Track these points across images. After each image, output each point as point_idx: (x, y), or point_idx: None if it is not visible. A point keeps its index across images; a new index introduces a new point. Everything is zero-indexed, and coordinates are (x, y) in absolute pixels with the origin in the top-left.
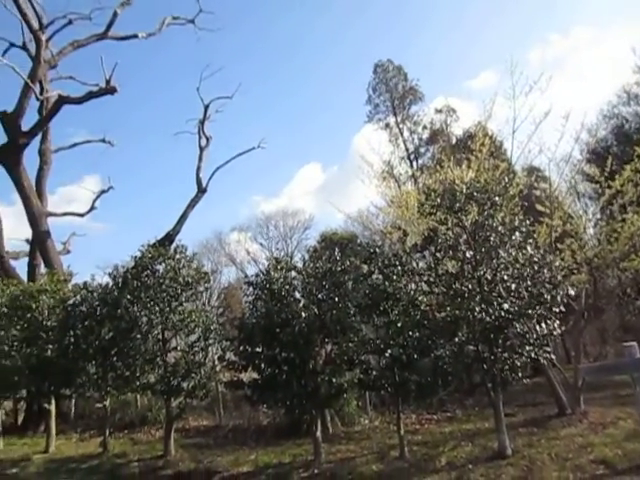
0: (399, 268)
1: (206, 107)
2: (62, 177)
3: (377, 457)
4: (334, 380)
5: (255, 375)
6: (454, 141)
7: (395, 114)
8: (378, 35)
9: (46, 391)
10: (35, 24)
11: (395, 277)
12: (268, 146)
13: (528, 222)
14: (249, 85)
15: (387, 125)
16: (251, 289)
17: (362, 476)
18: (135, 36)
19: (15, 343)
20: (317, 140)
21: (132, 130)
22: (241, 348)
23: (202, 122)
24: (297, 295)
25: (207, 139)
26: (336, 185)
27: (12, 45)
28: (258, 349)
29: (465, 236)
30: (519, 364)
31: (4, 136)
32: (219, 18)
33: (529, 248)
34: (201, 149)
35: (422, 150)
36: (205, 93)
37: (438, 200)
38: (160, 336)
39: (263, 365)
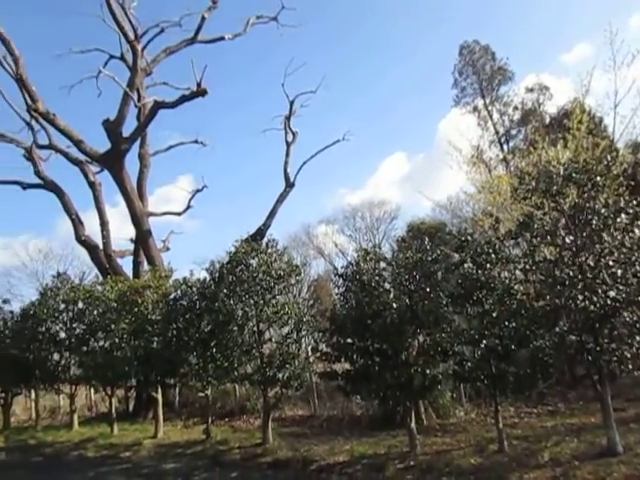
0: (492, 256)
1: (291, 103)
2: (159, 178)
3: (475, 450)
4: (428, 371)
5: (348, 366)
6: (548, 120)
7: (483, 96)
8: (462, 16)
9: (153, 380)
10: (131, 35)
11: (488, 265)
12: (352, 138)
13: (635, 202)
14: (333, 78)
15: (475, 108)
16: (341, 281)
17: (460, 469)
18: (222, 38)
19: (124, 336)
20: (401, 129)
21: (222, 129)
22: (333, 339)
23: (288, 118)
24: (387, 286)
25: (293, 134)
26: (422, 174)
27: (111, 57)
28: (350, 340)
29: (564, 220)
30: (629, 355)
31: (108, 143)
32: (301, 13)
33: (637, 231)
34: (288, 144)
35: (513, 132)
36: (290, 89)
37: (533, 184)
38: (255, 328)
39: (355, 356)
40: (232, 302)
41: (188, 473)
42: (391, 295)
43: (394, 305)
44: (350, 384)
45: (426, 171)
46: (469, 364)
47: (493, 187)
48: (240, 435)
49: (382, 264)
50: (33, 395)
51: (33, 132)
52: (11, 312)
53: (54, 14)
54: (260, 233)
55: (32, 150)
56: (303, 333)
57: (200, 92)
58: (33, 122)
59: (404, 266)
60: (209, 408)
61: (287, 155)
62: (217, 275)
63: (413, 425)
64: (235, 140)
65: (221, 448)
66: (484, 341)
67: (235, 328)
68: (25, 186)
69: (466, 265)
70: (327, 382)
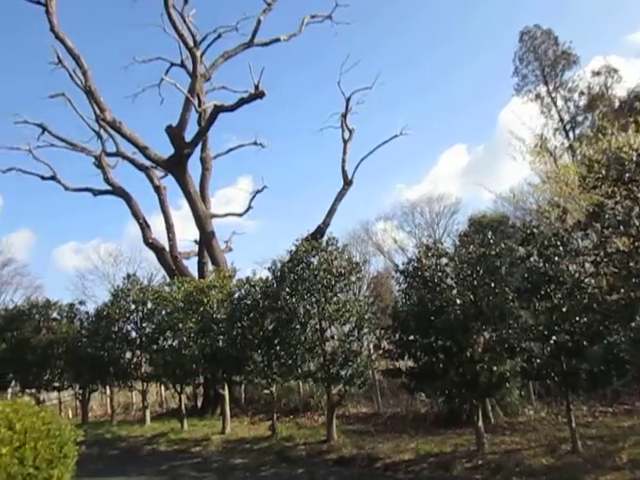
0: (560, 249)
1: (347, 100)
2: (219, 181)
3: (546, 450)
4: (494, 368)
5: (411, 363)
6: (617, 104)
7: (546, 83)
8: (520, 1)
9: (220, 378)
10: (190, 42)
11: (556, 259)
12: (410, 132)
13: None
14: (388, 73)
15: (538, 96)
16: (403, 277)
17: (530, 469)
18: (277, 40)
19: (191, 334)
20: (460, 121)
21: (280, 129)
22: (396, 336)
23: (344, 115)
24: (450, 282)
25: (350, 132)
26: (482, 166)
27: (172, 65)
28: (413, 337)
29: (638, 209)
30: None
31: (171, 148)
32: (354, 10)
33: None
34: (345, 142)
35: (579, 119)
36: (346, 86)
37: (603, 172)
38: (318, 326)
39: (419, 353)
40: (294, 300)
41: (256, 468)
42: (454, 291)
43: (458, 301)
44: (414, 381)
45: (486, 163)
46: (538, 361)
47: (559, 177)
48: (305, 432)
49: (444, 260)
50: (108, 391)
51: (102, 141)
52: (86, 313)
53: (117, 27)
54: (320, 231)
55: (101, 158)
56: (365, 331)
57: (258, 94)
58: (101, 131)
59: (467, 261)
60: (274, 405)
61: (344, 153)
62: (279, 274)
63: (480, 423)
64: (292, 139)
65: (286, 444)
66: (553, 337)
67: (298, 326)
68: (96, 193)
69: (532, 259)
70: (390, 379)
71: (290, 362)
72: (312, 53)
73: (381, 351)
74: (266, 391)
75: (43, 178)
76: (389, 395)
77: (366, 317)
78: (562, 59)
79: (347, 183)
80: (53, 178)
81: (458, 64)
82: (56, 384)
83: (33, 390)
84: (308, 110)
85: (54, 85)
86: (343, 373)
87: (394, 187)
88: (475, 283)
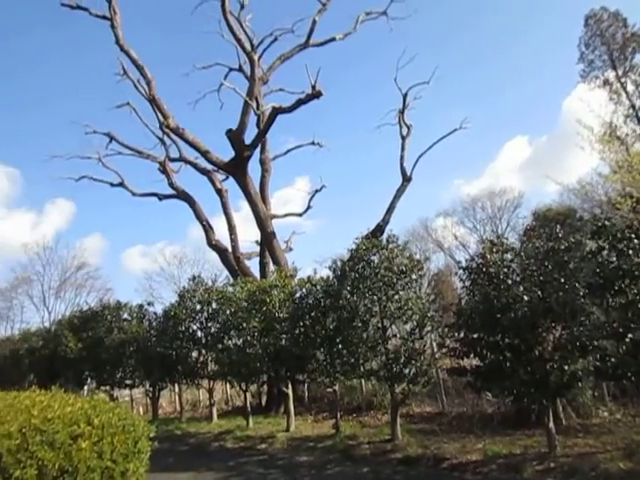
0: (635, 242)
1: (404, 96)
2: (276, 182)
3: (624, 454)
4: (565, 367)
5: (477, 362)
6: None
7: (615, 67)
8: None
9: (283, 376)
10: (248, 47)
11: (630, 252)
12: (469, 126)
13: None
14: (446, 67)
15: (606, 82)
16: (466, 274)
17: (607, 473)
18: (333, 39)
19: (255, 334)
20: (521, 113)
21: (336, 128)
22: (460, 334)
23: (402, 111)
24: (516, 278)
25: (408, 128)
26: (546, 157)
27: (231, 70)
28: (478, 335)
29: None
30: None
31: (230, 152)
32: (410, 4)
33: None
34: (403, 138)
35: None
36: (402, 82)
37: None
38: (379, 324)
39: (485, 351)
40: (355, 299)
41: (321, 466)
42: (521, 287)
43: (525, 298)
44: (480, 381)
45: (550, 154)
46: (612, 360)
47: (632, 166)
48: (368, 430)
49: (509, 255)
50: (177, 389)
51: (165, 147)
52: (155, 313)
53: (177, 36)
54: (379, 229)
55: (165, 163)
56: (427, 329)
57: (315, 94)
58: (165, 138)
59: (534, 256)
60: (337, 403)
61: (402, 149)
62: (340, 272)
63: (551, 425)
64: (349, 138)
65: (350, 443)
66: (629, 335)
67: (359, 324)
68: (161, 197)
69: (604, 253)
70: (455, 378)
71: (352, 360)
72: (367, 50)
73: (445, 349)
74: (329, 389)
75: (112, 185)
76: (454, 394)
77: (429, 315)
78: (632, 42)
79: (406, 180)
80: (121, 184)
81: (520, 58)
82: (128, 382)
83: (107, 387)
84: (365, 108)
85: (120, 95)
86: (406, 372)
87: (452, 183)
88: (543, 279)
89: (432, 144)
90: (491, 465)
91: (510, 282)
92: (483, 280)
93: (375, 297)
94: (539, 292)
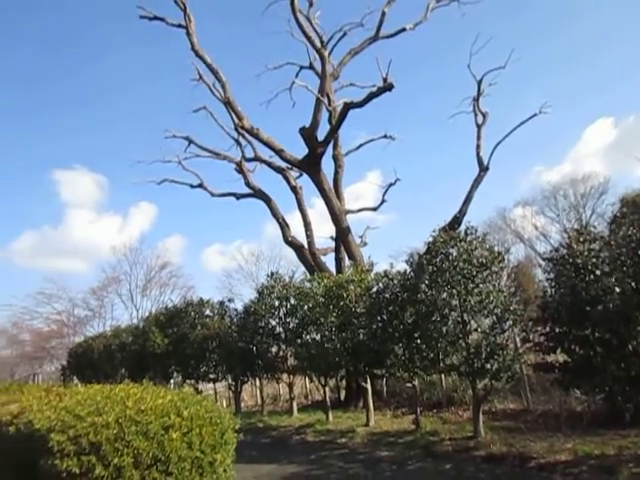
0: None
1: (479, 82)
2: (347, 177)
3: None
4: None
5: (562, 357)
6: None
7: None
8: None
9: (362, 371)
10: (318, 44)
11: None
12: (549, 110)
13: None
14: (522, 48)
15: None
16: (551, 265)
17: None
18: (403, 30)
19: (333, 328)
20: (604, 92)
21: (408, 120)
22: (546, 329)
23: (476, 99)
24: (606, 268)
25: (483, 115)
26: (634, 138)
27: (302, 68)
28: (566, 329)
29: None
30: None
31: (303, 149)
32: None
33: None
34: (478, 127)
35: None
36: (476, 68)
37: None
38: (459, 318)
39: (573, 346)
40: (434, 292)
41: (402, 462)
42: (612, 278)
43: (617, 289)
44: (568, 377)
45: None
46: None
47: None
48: (450, 427)
49: (597, 245)
50: (258, 383)
51: (241, 147)
52: (235, 310)
53: (246, 37)
54: (456, 221)
55: (241, 163)
56: (509, 323)
57: (387, 87)
58: (240, 138)
59: (625, 245)
60: (416, 399)
61: (478, 138)
62: (417, 266)
63: None
64: (422, 129)
65: (431, 439)
66: None
67: (438, 319)
68: (238, 197)
69: None
70: (541, 374)
71: (432, 355)
72: (438, 38)
73: (530, 344)
74: (408, 384)
75: (192, 186)
76: (539, 391)
77: (511, 308)
78: None
79: (483, 169)
80: (200, 186)
81: (599, 33)
82: (211, 376)
83: (192, 381)
84: (437, 98)
85: (196, 99)
86: (488, 367)
87: (531, 170)
88: (636, 269)
89: (510, 131)
90: (582, 466)
91: (599, 273)
92: (569, 271)
93: (454, 291)
94: (632, 283)
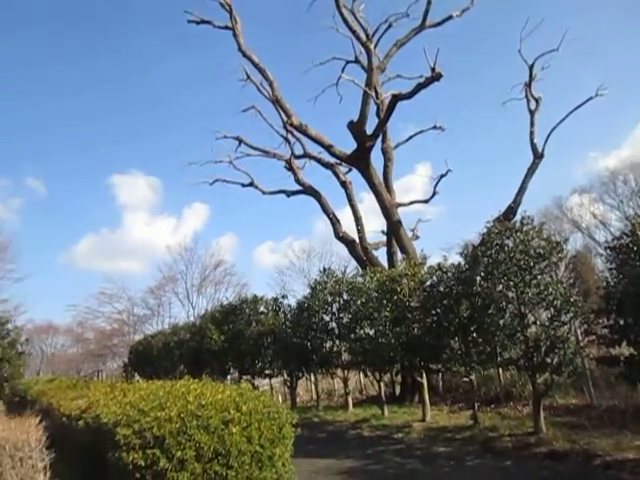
0: None
1: (530, 67)
2: (398, 170)
3: None
4: None
5: (628, 350)
6: None
7: None
8: None
9: (417, 365)
10: (363, 37)
11: None
12: (605, 92)
13: None
14: (576, 29)
15: None
16: (614, 254)
17: None
18: (450, 17)
19: (387, 323)
20: None
21: (457, 110)
22: (610, 320)
23: (528, 84)
24: None
25: (536, 101)
26: None
27: (347, 62)
28: (632, 321)
29: None
30: None
31: (351, 144)
32: None
33: None
34: (531, 113)
35: None
36: (527, 53)
37: None
38: (517, 311)
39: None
40: (489, 285)
41: (460, 458)
42: None
43: None
44: (635, 371)
45: None
46: None
47: None
48: (509, 422)
49: None
50: (312, 378)
51: (290, 145)
52: (289, 306)
53: (291, 35)
54: (511, 211)
55: (291, 161)
56: (570, 315)
57: (435, 77)
58: (289, 136)
59: None
60: (474, 393)
61: (532, 124)
62: (471, 258)
63: None
64: (471, 119)
65: (490, 435)
66: None
67: (495, 312)
68: (289, 194)
69: None
70: (604, 368)
71: (489, 349)
72: (485, 24)
73: (592, 337)
74: (465, 379)
75: (243, 185)
76: (603, 386)
77: (571, 300)
78: None
79: (537, 157)
80: (251, 184)
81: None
82: (267, 372)
83: (248, 377)
84: (487, 85)
85: (245, 99)
86: (549, 361)
87: (587, 156)
88: None
89: (565, 116)
90: None
91: None
92: (634, 260)
93: (511, 282)
94: None
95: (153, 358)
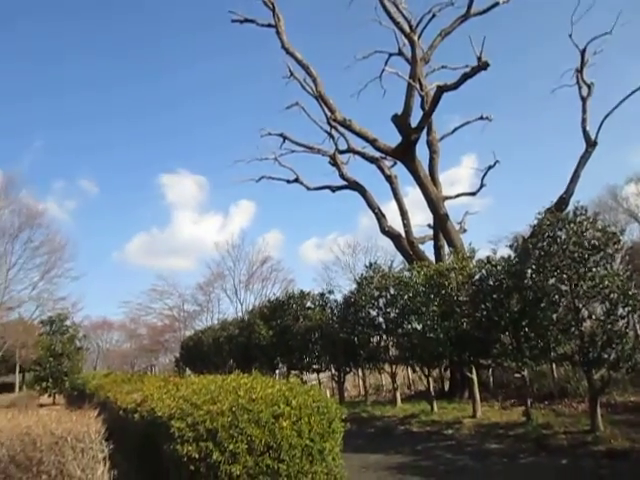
0: None
1: (582, 52)
2: (443, 162)
3: None
4: None
5: None
6: None
7: None
8: None
9: (466, 361)
10: (406, 28)
11: None
12: None
13: None
14: (632, 10)
15: None
16: None
17: None
18: (496, 4)
19: (435, 318)
20: None
21: (503, 100)
22: None
23: (580, 70)
24: None
25: (588, 87)
26: None
27: (391, 55)
28: None
29: None
30: None
31: (395, 137)
32: None
33: None
34: (583, 100)
35: None
36: (578, 37)
37: None
38: (571, 305)
39: None
40: (541, 278)
41: (513, 455)
42: None
43: None
44: None
45: None
46: None
47: None
48: (563, 420)
49: None
50: (360, 373)
51: (334, 140)
52: (335, 301)
53: (332, 30)
54: (563, 202)
55: (335, 156)
56: (628, 309)
57: (482, 66)
58: (333, 131)
59: None
60: (526, 390)
61: (584, 112)
62: (521, 251)
63: None
64: (517, 107)
65: (544, 432)
66: None
67: (547, 306)
68: (334, 189)
69: None
70: None
71: (542, 344)
72: (531, 9)
73: None
74: (516, 375)
75: (288, 182)
76: None
77: (629, 293)
78: None
79: (590, 145)
80: (296, 180)
81: None
82: (315, 366)
83: (296, 372)
84: (535, 72)
85: (288, 96)
86: (605, 356)
87: None
88: None
89: (619, 102)
90: None
91: None
92: None
93: (564, 275)
94: None
95: (203, 353)
